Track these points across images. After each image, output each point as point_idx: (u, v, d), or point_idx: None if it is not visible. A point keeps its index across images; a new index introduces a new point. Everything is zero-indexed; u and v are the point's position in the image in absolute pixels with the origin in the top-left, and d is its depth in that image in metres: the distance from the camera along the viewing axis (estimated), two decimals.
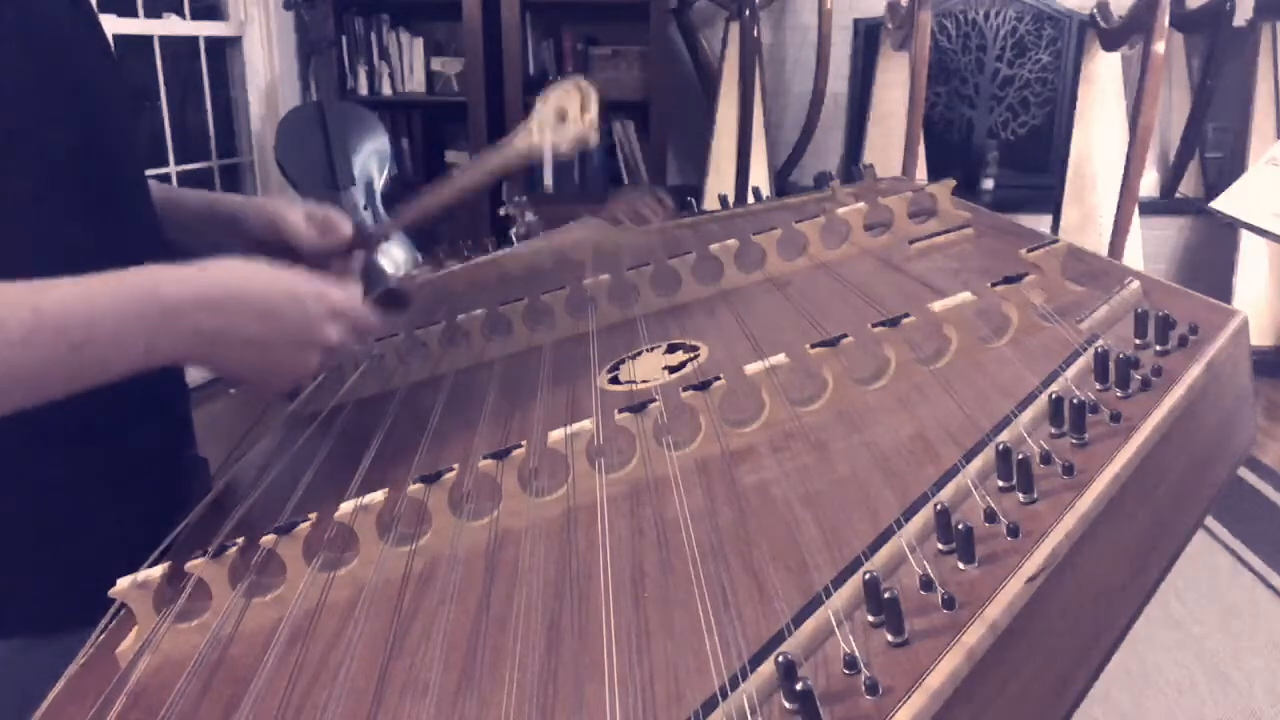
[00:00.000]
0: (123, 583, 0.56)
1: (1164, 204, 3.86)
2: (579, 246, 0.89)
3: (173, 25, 3.40)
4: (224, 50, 3.66)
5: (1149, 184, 3.78)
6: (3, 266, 0.53)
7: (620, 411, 0.61)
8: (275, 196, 3.74)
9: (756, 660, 0.41)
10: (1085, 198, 3.59)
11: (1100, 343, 0.60)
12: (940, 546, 0.47)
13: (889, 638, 0.42)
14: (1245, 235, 3.38)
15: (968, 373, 0.64)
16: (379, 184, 3.49)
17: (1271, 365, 3.45)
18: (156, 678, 0.53)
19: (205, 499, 0.67)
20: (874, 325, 0.64)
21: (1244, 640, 2.03)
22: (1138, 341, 0.63)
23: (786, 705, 0.39)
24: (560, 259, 0.90)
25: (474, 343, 0.89)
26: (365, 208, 3.42)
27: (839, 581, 0.45)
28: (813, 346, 0.63)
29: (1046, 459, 0.51)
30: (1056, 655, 0.47)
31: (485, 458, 0.59)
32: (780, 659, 0.40)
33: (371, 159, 3.51)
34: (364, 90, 3.92)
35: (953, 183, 0.98)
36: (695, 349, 0.78)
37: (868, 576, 0.43)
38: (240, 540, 0.57)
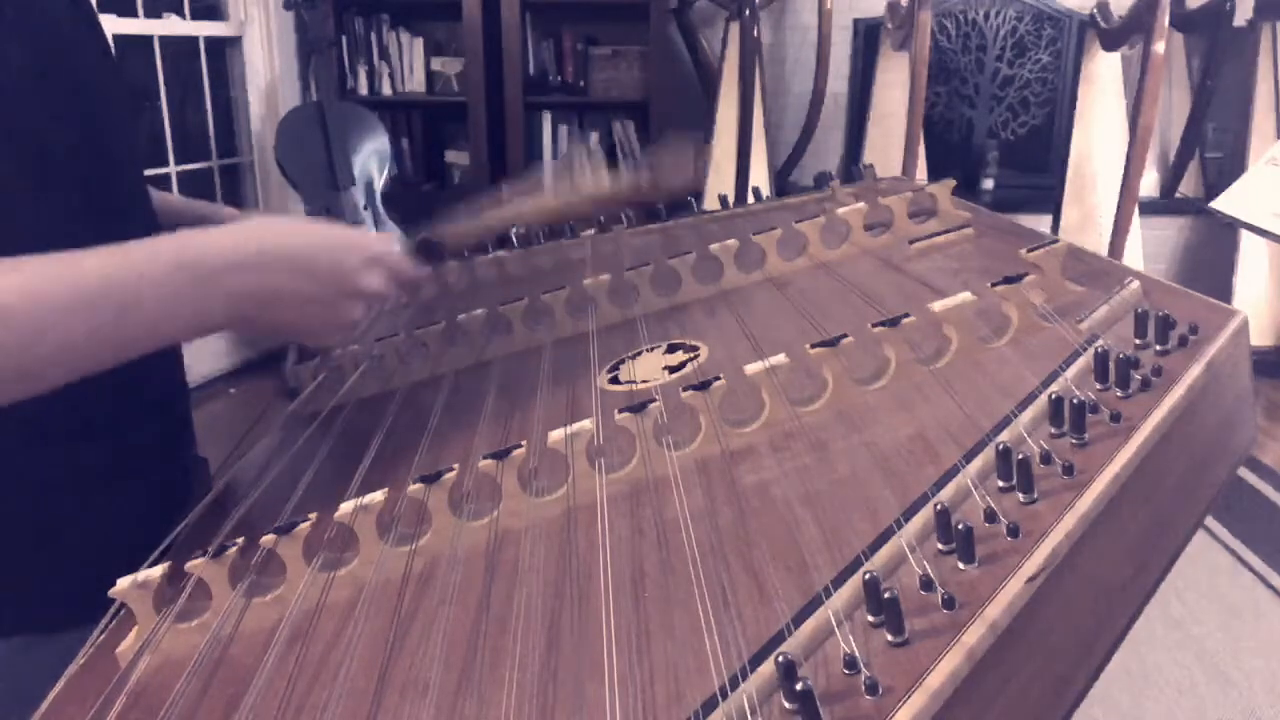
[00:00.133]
0: (123, 583, 0.56)
1: (1164, 204, 3.86)
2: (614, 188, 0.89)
3: (173, 25, 3.40)
4: (224, 50, 3.67)
5: (1149, 184, 3.78)
6: None
7: (620, 411, 0.61)
8: (275, 197, 3.75)
9: (756, 660, 0.41)
10: (1085, 198, 3.59)
11: (1100, 343, 0.60)
12: (940, 546, 0.47)
13: (889, 638, 0.42)
14: (1245, 235, 3.38)
15: (968, 373, 0.64)
16: (379, 184, 3.49)
17: (1271, 365, 3.45)
18: (156, 678, 0.53)
19: (205, 499, 0.67)
20: (874, 325, 0.64)
21: (1244, 640, 2.03)
22: (1138, 341, 0.63)
23: (786, 705, 0.39)
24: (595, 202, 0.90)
25: (474, 343, 0.89)
26: (365, 208, 3.42)
27: (839, 581, 0.45)
28: (813, 346, 0.63)
29: (1046, 459, 0.51)
30: (1056, 655, 0.47)
31: (485, 458, 0.59)
32: (780, 659, 0.40)
33: (371, 159, 3.51)
34: (364, 90, 3.92)
35: (953, 183, 0.98)
36: (695, 349, 0.78)
37: (868, 576, 0.43)
38: (240, 540, 0.57)
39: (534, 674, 0.45)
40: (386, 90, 3.94)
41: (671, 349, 0.79)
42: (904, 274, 0.84)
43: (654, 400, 0.61)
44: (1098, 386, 0.58)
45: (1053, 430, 0.55)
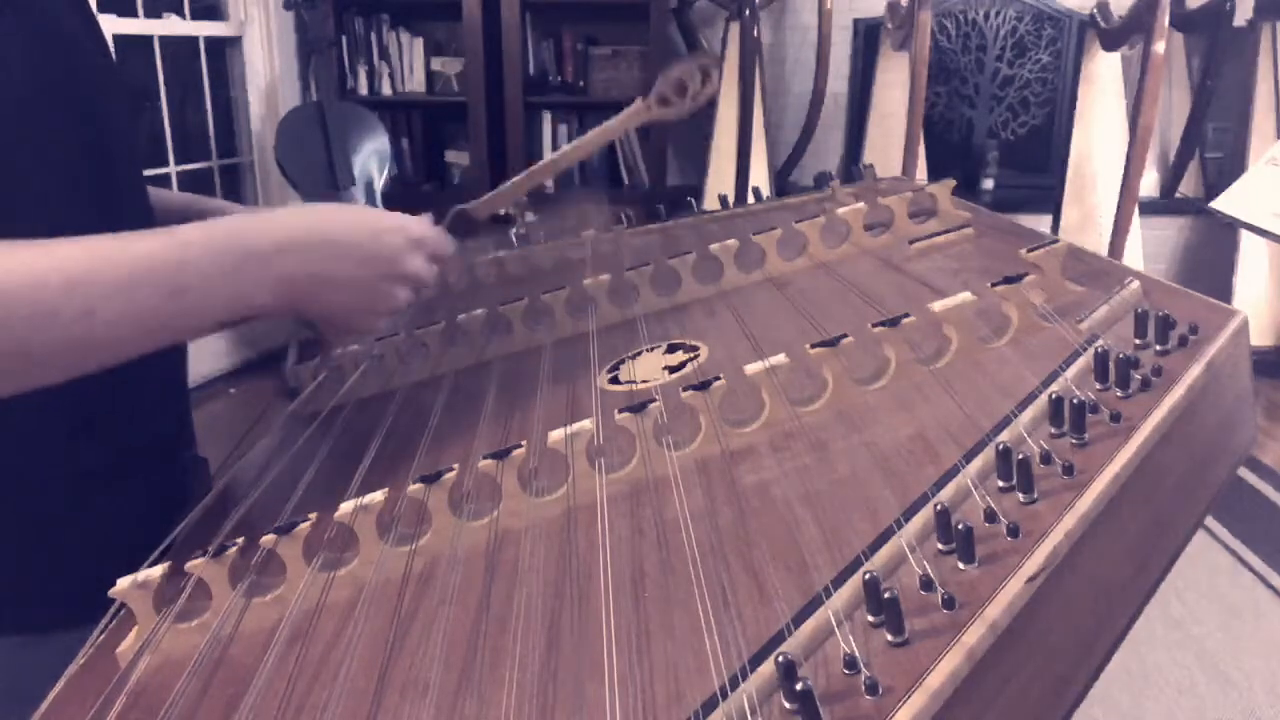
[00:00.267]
0: (123, 583, 0.56)
1: (1164, 204, 3.86)
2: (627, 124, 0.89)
3: (173, 25, 3.40)
4: (224, 50, 3.67)
5: (1149, 184, 3.78)
6: None
7: (620, 411, 0.61)
8: (275, 197, 3.75)
9: (756, 660, 0.41)
10: (1085, 198, 3.59)
11: (1100, 343, 0.60)
12: (940, 546, 0.47)
13: (889, 638, 0.42)
14: (1245, 235, 3.38)
15: (968, 373, 0.64)
16: (379, 184, 3.50)
17: (1271, 365, 3.45)
18: (156, 678, 0.53)
19: (205, 499, 0.67)
20: (874, 325, 0.64)
21: (1244, 640, 2.03)
22: (1138, 341, 0.63)
23: (786, 705, 0.39)
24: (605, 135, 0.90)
25: (474, 343, 0.89)
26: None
27: (839, 581, 0.45)
28: (813, 346, 0.63)
29: (1046, 459, 0.51)
30: (1056, 655, 0.47)
31: (485, 458, 0.59)
32: (780, 659, 0.40)
33: (371, 159, 3.51)
34: (364, 90, 3.92)
35: (953, 183, 0.98)
36: (695, 349, 0.78)
37: (868, 576, 0.43)
38: (240, 540, 0.57)
39: (534, 674, 0.45)
40: (386, 90, 3.95)
41: (671, 349, 0.79)
42: (904, 274, 0.84)
43: (654, 400, 0.61)
44: (1098, 386, 0.58)
45: (1053, 430, 0.55)
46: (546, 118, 3.95)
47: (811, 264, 0.92)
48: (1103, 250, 3.14)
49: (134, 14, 3.24)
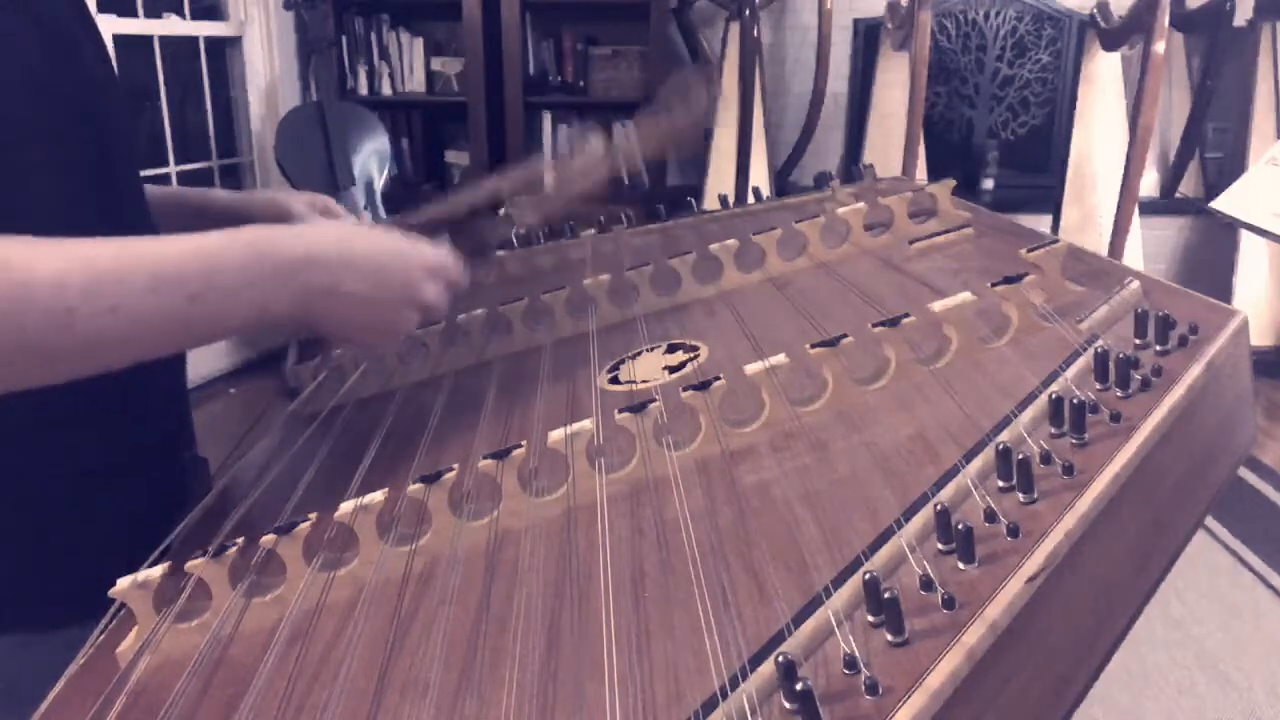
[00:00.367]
0: (123, 583, 0.56)
1: (1164, 204, 3.86)
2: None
3: (173, 25, 3.40)
4: (224, 50, 3.67)
5: (1149, 184, 3.78)
6: None
7: (620, 411, 0.61)
8: None
9: (756, 660, 0.41)
10: (1085, 198, 3.59)
11: (1100, 343, 0.60)
12: (940, 546, 0.47)
13: (889, 638, 0.42)
14: (1245, 235, 3.38)
15: (968, 373, 0.64)
16: (379, 184, 3.50)
17: (1271, 365, 3.45)
18: (156, 678, 0.53)
19: (205, 499, 0.67)
20: (874, 325, 0.64)
21: (1244, 640, 2.03)
22: (1138, 341, 0.63)
23: (786, 705, 0.39)
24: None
25: (474, 343, 0.89)
26: (365, 208, 3.43)
27: (839, 581, 0.45)
28: (813, 346, 0.63)
29: (1046, 459, 0.51)
30: (1056, 655, 0.47)
31: (485, 458, 0.59)
32: (780, 659, 0.40)
33: (371, 159, 3.51)
34: (364, 90, 3.92)
35: (953, 183, 0.98)
36: (695, 349, 0.78)
37: (868, 576, 0.43)
38: (240, 540, 0.57)
39: (534, 674, 0.45)
40: (386, 90, 3.95)
41: (671, 349, 0.79)
42: (904, 274, 0.84)
43: (654, 400, 0.61)
44: (1098, 386, 0.58)
45: (1053, 430, 0.55)
46: (546, 118, 3.95)
47: (811, 264, 0.92)
48: (1103, 250, 3.14)
49: (134, 14, 3.24)
